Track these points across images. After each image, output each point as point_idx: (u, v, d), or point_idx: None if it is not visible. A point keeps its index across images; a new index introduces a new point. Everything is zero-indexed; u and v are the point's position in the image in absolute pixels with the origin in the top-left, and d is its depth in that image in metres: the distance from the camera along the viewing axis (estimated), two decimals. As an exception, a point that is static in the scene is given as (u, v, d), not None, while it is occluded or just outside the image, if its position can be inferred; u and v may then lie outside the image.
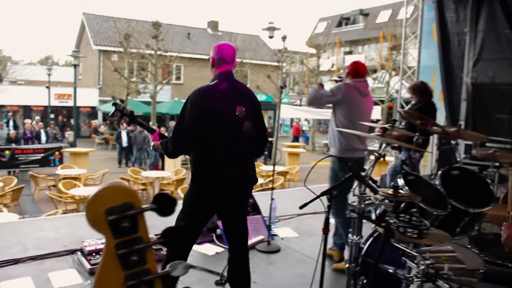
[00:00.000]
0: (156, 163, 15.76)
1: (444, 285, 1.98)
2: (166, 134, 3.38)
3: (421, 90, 5.28)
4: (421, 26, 8.96)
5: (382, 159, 2.91)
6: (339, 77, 4.16)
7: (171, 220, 1.98)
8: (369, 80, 25.52)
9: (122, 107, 3.36)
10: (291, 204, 4.48)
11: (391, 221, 2.25)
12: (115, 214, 1.16)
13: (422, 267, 2.02)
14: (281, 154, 18.21)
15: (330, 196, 2.38)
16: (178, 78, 28.53)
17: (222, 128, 2.94)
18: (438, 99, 8.45)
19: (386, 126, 2.90)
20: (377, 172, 10.67)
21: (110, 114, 3.42)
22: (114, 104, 3.37)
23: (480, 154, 4.05)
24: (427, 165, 8.54)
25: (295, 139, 27.22)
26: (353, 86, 4.10)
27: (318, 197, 2.38)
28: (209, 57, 3.15)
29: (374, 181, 2.85)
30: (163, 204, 1.18)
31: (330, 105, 4.18)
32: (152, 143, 3.25)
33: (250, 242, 4.08)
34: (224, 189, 2.98)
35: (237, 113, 2.96)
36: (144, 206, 1.16)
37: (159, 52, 20.76)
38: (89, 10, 38.24)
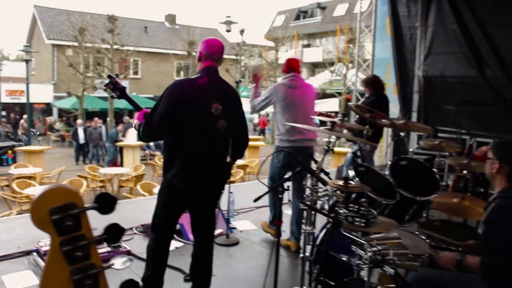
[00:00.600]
0: (114, 159, 15.49)
1: (390, 270, 2.08)
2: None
3: (373, 84, 5.45)
4: (375, 20, 9.20)
5: (332, 151, 3.00)
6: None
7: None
8: (327, 73, 26.03)
9: (115, 81, 3.34)
10: (250, 197, 4.51)
11: (341, 211, 2.35)
12: (59, 214, 1.19)
13: (370, 254, 2.11)
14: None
15: (282, 189, 2.45)
16: (135, 73, 28.05)
17: (195, 123, 2.93)
18: (392, 92, 8.72)
19: (335, 120, 2.99)
20: (335, 163, 10.91)
21: (104, 84, 3.49)
22: (109, 76, 3.37)
23: (427, 144, 4.24)
24: (383, 156, 8.82)
25: (261, 132, 28.31)
26: (282, 84, 4.40)
27: (270, 190, 2.44)
28: (197, 51, 3.16)
29: (326, 173, 2.94)
30: (103, 203, 1.23)
31: None
32: (135, 121, 3.24)
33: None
34: (189, 186, 3.00)
35: (212, 110, 2.95)
36: (86, 205, 1.20)
37: (115, 47, 20.38)
38: (41, 2, 36.83)
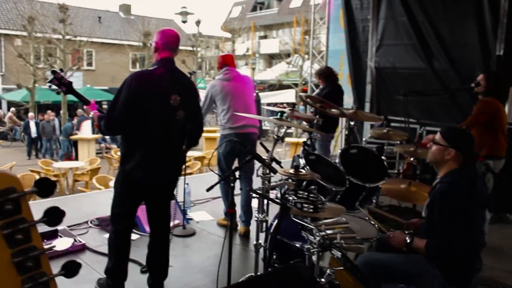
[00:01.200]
0: (69, 153, 15.11)
1: (337, 253, 2.18)
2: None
3: (326, 75, 5.59)
4: (328, 12, 9.35)
5: (282, 141, 3.07)
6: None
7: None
8: (283, 64, 26.23)
9: (60, 76, 3.26)
10: (206, 188, 4.60)
11: (290, 198, 2.42)
12: (-2, 198, 1.22)
13: (318, 238, 2.20)
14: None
15: (234, 177, 2.50)
16: (89, 64, 27.30)
17: (154, 115, 2.94)
18: (346, 83, 8.93)
19: (284, 110, 3.07)
20: (291, 154, 11.07)
21: (47, 81, 3.39)
22: (53, 72, 3.31)
23: (376, 133, 4.40)
24: (338, 145, 9.03)
25: None
26: (217, 79, 4.65)
27: (222, 179, 2.49)
28: (153, 42, 3.13)
29: (278, 162, 3.01)
30: (42, 187, 1.27)
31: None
32: (91, 114, 3.20)
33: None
34: (149, 177, 3.01)
35: (171, 101, 2.96)
36: (25, 189, 1.24)
37: (67, 37, 19.73)
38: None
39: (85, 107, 3.32)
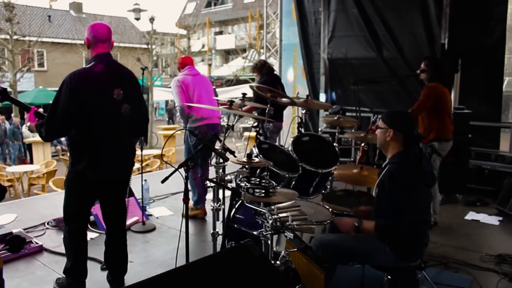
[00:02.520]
0: (22, 156, 14.66)
1: (290, 234, 2.26)
2: (41, 110, 3.23)
3: (259, 67, 5.86)
4: (280, 6, 9.46)
5: (232, 129, 3.14)
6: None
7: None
8: (240, 59, 26.25)
9: None
10: (166, 184, 4.61)
11: (242, 184, 2.49)
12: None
13: (271, 221, 2.27)
14: (157, 137, 18.06)
15: (187, 167, 2.54)
16: (41, 64, 26.43)
17: (99, 111, 2.92)
18: (301, 75, 9.10)
19: (233, 99, 3.13)
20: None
21: None
22: None
23: (327, 120, 4.53)
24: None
25: None
26: (181, 75, 4.93)
27: (176, 169, 2.52)
28: (84, 38, 3.08)
29: (232, 152, 3.07)
30: None
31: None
32: (27, 124, 3.11)
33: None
34: (102, 174, 3.00)
35: (114, 96, 2.95)
36: None
37: (15, 37, 19.00)
38: None
39: (26, 115, 3.20)
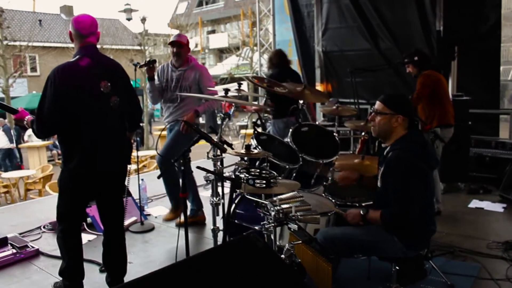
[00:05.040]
0: (18, 162, 14.50)
1: (294, 226, 2.17)
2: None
3: (270, 59, 5.61)
4: (273, 2, 9.39)
5: (229, 118, 3.05)
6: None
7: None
8: (234, 58, 26.12)
9: None
10: (163, 183, 4.53)
11: (242, 175, 2.40)
12: None
13: (273, 213, 2.18)
14: (153, 139, 17.97)
15: (183, 161, 2.45)
16: (33, 69, 26.26)
17: (86, 105, 2.84)
18: (297, 69, 9.00)
19: (228, 87, 3.04)
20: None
21: None
22: None
23: (326, 110, 4.45)
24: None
25: (227, 115, 28.45)
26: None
27: (174, 162, 2.43)
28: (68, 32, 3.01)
29: (229, 144, 2.98)
30: None
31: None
32: (25, 120, 3.02)
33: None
34: (94, 168, 2.91)
35: (101, 89, 2.87)
36: None
37: (5, 42, 18.83)
38: None
39: (14, 117, 3.12)
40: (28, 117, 3.03)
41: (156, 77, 4.42)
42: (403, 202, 2.54)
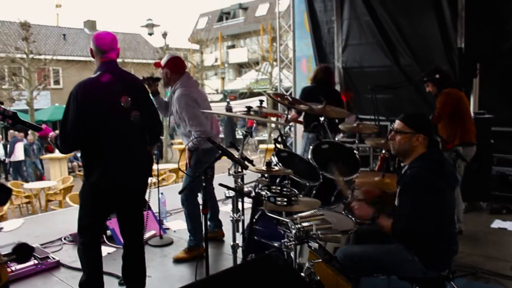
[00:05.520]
0: (39, 173, 14.76)
1: (314, 244, 2.17)
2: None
3: (314, 75, 5.54)
4: (293, 18, 9.42)
5: (250, 135, 3.07)
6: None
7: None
8: (253, 72, 26.25)
9: (2, 109, 3.12)
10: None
11: (263, 193, 2.41)
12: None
13: (294, 231, 2.19)
14: (172, 152, 18.11)
15: (205, 177, 2.47)
16: (57, 82, 26.81)
17: (107, 121, 2.90)
18: (316, 85, 9.01)
19: (251, 106, 3.07)
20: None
21: None
22: None
23: (346, 127, 4.44)
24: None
25: (250, 129, 28.31)
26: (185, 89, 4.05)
27: (194, 180, 2.46)
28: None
29: (250, 161, 2.99)
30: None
31: None
32: (49, 137, 3.06)
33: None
34: (115, 182, 2.95)
35: (122, 104, 2.93)
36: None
37: (31, 55, 19.31)
38: None
39: (38, 134, 3.18)
40: (52, 134, 3.09)
41: None
42: (411, 218, 2.50)
